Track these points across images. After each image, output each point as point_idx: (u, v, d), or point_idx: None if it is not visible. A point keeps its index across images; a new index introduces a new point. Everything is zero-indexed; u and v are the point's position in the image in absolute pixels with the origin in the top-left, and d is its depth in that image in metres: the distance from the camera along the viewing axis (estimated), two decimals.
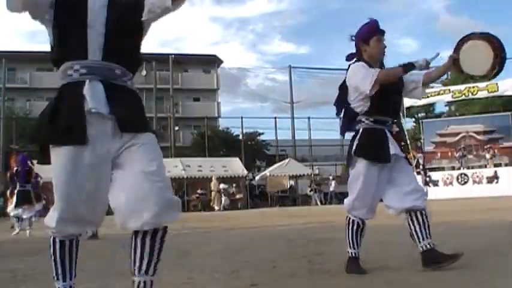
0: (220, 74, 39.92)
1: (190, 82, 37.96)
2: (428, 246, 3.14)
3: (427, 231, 3.17)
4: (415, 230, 3.18)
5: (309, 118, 32.36)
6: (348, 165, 3.44)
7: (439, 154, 25.18)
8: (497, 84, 24.61)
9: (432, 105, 32.54)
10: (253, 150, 32.61)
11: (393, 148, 3.26)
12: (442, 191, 21.60)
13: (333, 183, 26.71)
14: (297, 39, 77.42)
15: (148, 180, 1.90)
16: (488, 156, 23.58)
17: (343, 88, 3.42)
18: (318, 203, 25.07)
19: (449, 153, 24.89)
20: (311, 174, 27.04)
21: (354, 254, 3.29)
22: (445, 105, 33.92)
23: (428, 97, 25.97)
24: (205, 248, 5.23)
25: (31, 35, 62.13)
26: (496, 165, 23.03)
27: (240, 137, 30.97)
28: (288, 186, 27.54)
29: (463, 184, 22.17)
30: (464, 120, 26.20)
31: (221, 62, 39.91)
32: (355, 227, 3.33)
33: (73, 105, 1.95)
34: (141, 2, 2.08)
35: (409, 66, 3.22)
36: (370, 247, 4.58)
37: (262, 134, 34.23)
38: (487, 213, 9.07)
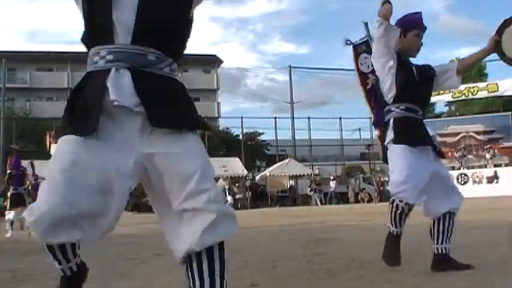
0: (220, 74, 39.96)
1: (190, 82, 37.87)
2: (443, 250, 3.08)
3: (449, 235, 3.09)
4: (437, 231, 3.10)
5: (309, 118, 32.40)
6: (384, 158, 3.26)
7: None
8: (497, 84, 24.66)
9: (432, 105, 32.58)
10: (253, 150, 32.64)
11: (429, 133, 3.19)
12: None
13: (333, 183, 26.74)
14: (297, 39, 77.50)
15: (185, 215, 1.55)
16: (488, 156, 23.61)
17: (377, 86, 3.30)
18: (318, 203, 25.08)
19: (449, 153, 24.90)
20: (311, 174, 27.05)
21: (394, 232, 3.12)
22: (445, 105, 34.04)
23: None
24: None
25: (31, 35, 62.19)
26: (496, 165, 23.06)
27: (240, 137, 31.00)
28: (288, 186, 27.56)
29: (463, 184, 22.16)
30: (464, 120, 26.24)
31: (221, 62, 39.96)
32: (398, 211, 3.06)
33: (90, 95, 1.59)
34: None
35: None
36: (370, 247, 4.57)
37: (262, 134, 34.29)
38: (487, 213, 9.07)
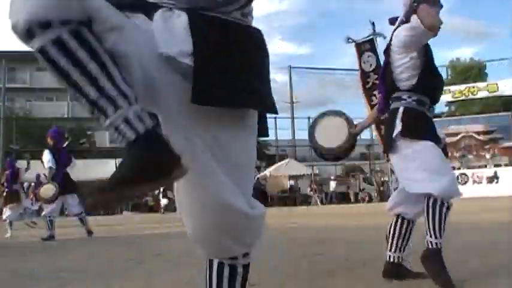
0: None
1: None
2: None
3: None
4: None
5: (309, 118, 32.30)
6: (387, 151, 2.91)
7: None
8: (497, 84, 24.68)
9: None
10: None
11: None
12: None
13: (333, 183, 26.74)
14: (298, 39, 77.58)
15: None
16: (488, 156, 23.62)
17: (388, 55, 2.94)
18: (318, 203, 25.08)
19: (449, 153, 24.90)
20: (311, 174, 27.04)
21: (439, 245, 2.71)
22: (445, 105, 33.98)
23: None
24: None
25: None
26: (496, 165, 23.06)
27: None
28: (288, 186, 27.56)
29: (463, 184, 22.16)
30: (464, 120, 26.22)
31: None
32: (447, 214, 2.73)
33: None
34: None
35: None
36: (370, 247, 4.57)
37: None
38: (487, 213, 9.07)
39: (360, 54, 17.08)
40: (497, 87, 24.49)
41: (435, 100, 2.96)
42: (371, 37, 16.44)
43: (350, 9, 71.94)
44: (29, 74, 36.10)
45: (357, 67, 16.36)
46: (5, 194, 10.09)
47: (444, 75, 35.95)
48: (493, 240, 4.64)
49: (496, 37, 65.75)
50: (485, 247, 4.14)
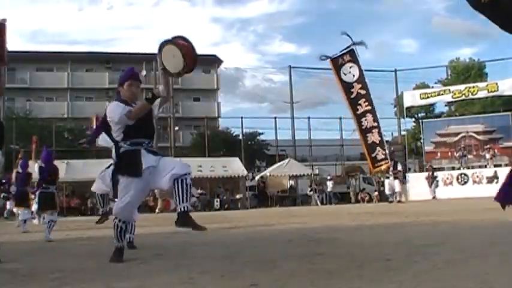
0: (220, 74, 39.97)
1: (190, 82, 37.99)
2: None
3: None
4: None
5: (309, 118, 32.38)
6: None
7: (439, 154, 25.22)
8: (497, 84, 24.69)
9: (432, 105, 32.58)
10: (253, 150, 32.64)
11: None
12: (442, 191, 21.65)
13: (330, 183, 26.73)
14: (298, 39, 77.55)
15: None
16: (488, 156, 23.63)
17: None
18: (318, 203, 25.07)
19: (449, 153, 24.92)
20: (311, 174, 27.04)
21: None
22: (445, 105, 34.02)
23: (428, 97, 26.03)
24: (205, 248, 5.22)
25: (31, 35, 62.13)
26: (496, 165, 23.07)
27: (240, 137, 31.01)
28: (288, 186, 27.56)
29: (463, 184, 22.19)
30: (464, 120, 26.24)
31: (221, 62, 39.93)
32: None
33: None
34: None
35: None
36: (370, 247, 4.58)
37: (262, 134, 34.29)
38: (487, 213, 9.06)
39: (339, 68, 17.04)
40: (497, 87, 24.49)
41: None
42: (351, 48, 16.32)
43: (350, 9, 71.89)
44: (29, 74, 36.11)
45: (337, 81, 16.31)
46: (14, 193, 10.39)
47: (444, 75, 36.02)
48: (493, 240, 4.64)
49: (496, 37, 65.73)
50: (485, 247, 4.14)
